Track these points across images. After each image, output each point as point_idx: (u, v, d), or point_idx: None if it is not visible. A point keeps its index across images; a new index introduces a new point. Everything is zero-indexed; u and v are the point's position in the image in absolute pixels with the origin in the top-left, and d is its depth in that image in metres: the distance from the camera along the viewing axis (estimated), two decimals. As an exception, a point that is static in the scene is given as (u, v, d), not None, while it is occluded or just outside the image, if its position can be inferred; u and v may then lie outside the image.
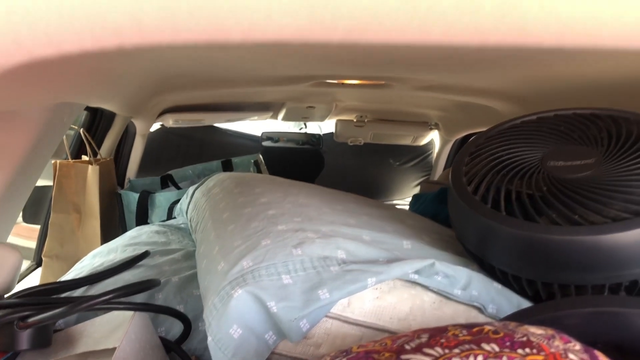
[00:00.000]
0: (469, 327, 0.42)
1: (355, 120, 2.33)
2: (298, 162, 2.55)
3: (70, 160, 1.24)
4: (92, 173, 1.21)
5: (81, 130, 1.26)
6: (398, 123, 2.31)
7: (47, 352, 0.57)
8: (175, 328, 0.68)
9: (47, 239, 1.22)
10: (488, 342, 0.38)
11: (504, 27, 0.34)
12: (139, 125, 1.78)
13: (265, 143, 2.50)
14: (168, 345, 0.63)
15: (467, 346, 0.37)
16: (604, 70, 0.77)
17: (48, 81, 0.60)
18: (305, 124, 2.55)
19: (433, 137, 2.35)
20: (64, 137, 1.28)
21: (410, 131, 2.30)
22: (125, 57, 0.74)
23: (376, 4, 0.31)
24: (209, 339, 0.51)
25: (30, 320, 0.51)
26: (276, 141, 2.54)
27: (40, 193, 1.46)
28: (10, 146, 0.68)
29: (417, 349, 0.37)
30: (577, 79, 0.91)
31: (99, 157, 1.32)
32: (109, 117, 1.43)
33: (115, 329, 0.56)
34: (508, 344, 0.38)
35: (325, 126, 2.67)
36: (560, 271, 0.55)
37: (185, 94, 1.65)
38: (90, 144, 1.26)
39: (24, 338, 0.53)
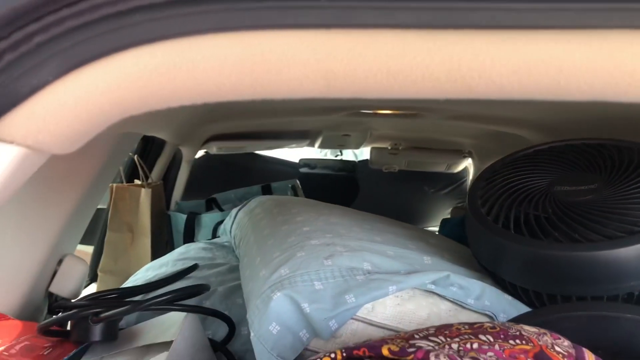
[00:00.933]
0: (471, 324, 0.49)
1: (389, 147, 2.41)
2: (334, 188, 2.64)
3: (125, 183, 1.36)
4: (145, 196, 1.32)
5: (135, 156, 1.39)
6: (432, 151, 2.37)
7: (113, 345, 0.66)
8: (220, 331, 0.76)
9: (102, 256, 1.33)
10: (484, 334, 0.45)
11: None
12: (185, 152, 1.90)
13: (303, 169, 2.60)
14: (215, 345, 0.72)
15: (466, 336, 0.45)
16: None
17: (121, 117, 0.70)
18: (341, 151, 2.64)
19: (467, 165, 2.40)
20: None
21: (444, 159, 2.36)
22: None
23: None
24: (252, 334, 0.59)
25: (103, 315, 0.61)
26: (313, 168, 2.64)
27: (95, 216, 1.59)
28: (82, 169, 0.79)
29: (424, 337, 0.44)
30: (606, 108, 0.97)
31: (150, 181, 1.44)
32: (160, 144, 1.55)
33: (170, 327, 0.65)
34: (502, 336, 0.46)
35: (360, 153, 2.76)
36: (562, 284, 0.61)
37: (229, 123, 1.77)
38: (143, 169, 1.38)
39: (96, 331, 0.63)
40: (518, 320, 0.58)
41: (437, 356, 0.38)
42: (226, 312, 0.78)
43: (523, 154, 0.79)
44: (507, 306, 0.66)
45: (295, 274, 0.62)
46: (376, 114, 1.60)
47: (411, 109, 1.46)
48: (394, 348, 0.39)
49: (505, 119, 1.41)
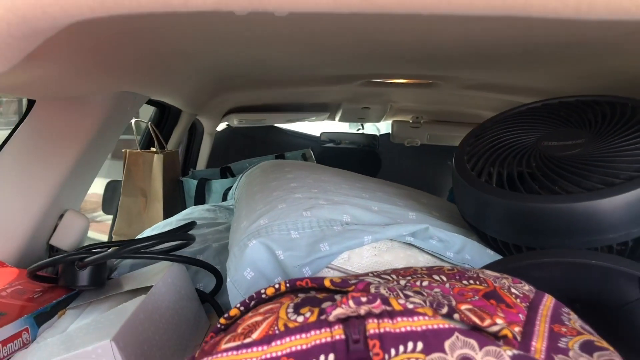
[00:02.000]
0: (431, 267, 0.49)
1: (411, 121, 2.39)
2: (355, 163, 2.64)
3: (138, 150, 1.39)
4: (157, 161, 1.35)
5: (149, 124, 1.41)
6: (454, 124, 2.35)
7: (102, 292, 0.69)
8: (211, 285, 0.78)
9: (116, 220, 1.37)
10: (439, 275, 0.46)
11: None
12: (205, 123, 1.93)
13: (327, 144, 2.60)
14: (203, 297, 0.74)
15: (418, 276, 0.45)
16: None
17: (109, 69, 0.72)
18: (362, 125, 2.63)
19: (489, 139, 2.35)
20: (135, 130, 1.43)
21: (465, 132, 2.32)
22: (179, 56, 0.86)
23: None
24: (228, 280, 0.61)
25: (87, 259, 0.64)
26: (338, 143, 2.65)
27: (118, 189, 1.64)
28: (80, 127, 0.81)
29: (377, 275, 0.45)
30: (629, 71, 0.94)
31: (165, 149, 1.47)
32: (176, 114, 1.58)
33: (156, 274, 0.67)
34: (457, 277, 0.46)
35: (382, 127, 2.75)
36: (540, 237, 0.61)
37: (246, 95, 1.78)
38: (157, 136, 1.41)
39: (83, 277, 0.66)
40: (485, 267, 0.58)
41: (377, 288, 0.38)
42: (219, 267, 0.80)
43: (515, 112, 0.77)
44: (488, 260, 0.66)
45: (273, 224, 0.63)
46: (391, 83, 1.58)
47: (425, 77, 1.45)
48: (337, 280, 0.40)
49: (522, 89, 1.38)
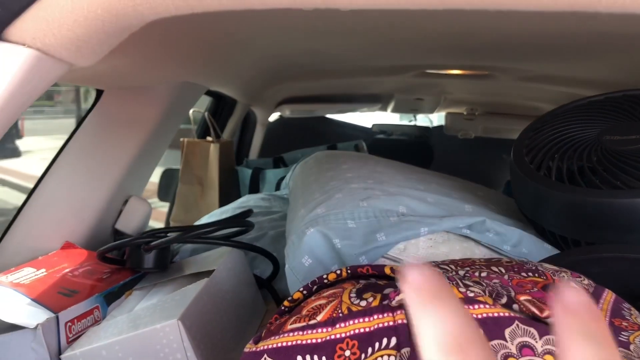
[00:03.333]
0: (489, 259, 0.50)
1: (465, 113, 2.36)
2: (407, 155, 2.61)
3: (196, 139, 1.43)
4: (214, 150, 1.39)
5: (206, 113, 1.45)
6: (509, 116, 2.30)
7: (165, 275, 0.72)
8: (268, 271, 0.81)
9: (174, 207, 1.42)
10: (497, 266, 0.46)
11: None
12: (258, 114, 1.97)
13: (379, 136, 2.60)
14: (260, 282, 0.77)
15: (477, 267, 0.46)
16: None
17: (173, 60, 0.75)
18: (414, 116, 2.61)
19: (546, 132, 2.30)
20: (192, 120, 1.48)
21: (522, 125, 2.27)
22: (239, 46, 0.89)
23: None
24: (286, 266, 0.63)
25: (153, 243, 0.67)
26: (389, 135, 2.64)
27: (173, 176, 1.69)
28: (145, 116, 0.85)
29: (436, 265, 0.46)
30: None
31: (221, 139, 1.51)
32: (231, 104, 1.61)
33: (216, 259, 0.70)
34: (515, 269, 0.46)
35: (435, 119, 2.72)
36: (600, 232, 0.60)
37: (299, 85, 1.81)
38: (213, 125, 1.45)
39: (149, 260, 0.69)
40: (543, 261, 0.58)
41: (436, 276, 0.39)
42: (275, 254, 0.82)
43: (575, 105, 0.76)
44: (546, 254, 0.65)
45: (330, 213, 0.65)
46: (446, 74, 1.57)
47: (482, 69, 1.43)
48: (397, 268, 0.41)
49: (581, 81, 1.35)
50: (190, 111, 1.44)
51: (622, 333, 0.37)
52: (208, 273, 0.65)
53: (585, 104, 0.76)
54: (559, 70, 1.29)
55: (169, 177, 1.75)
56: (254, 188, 1.42)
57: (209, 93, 1.45)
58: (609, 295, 0.45)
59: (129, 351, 0.52)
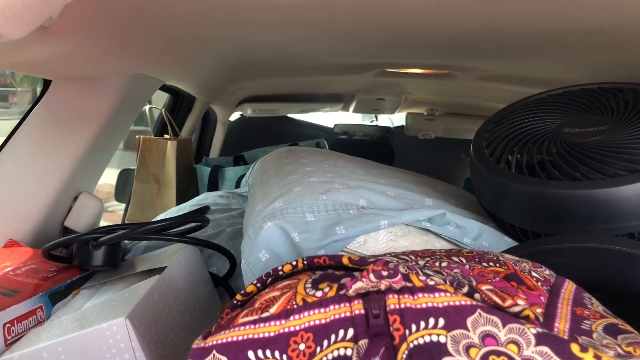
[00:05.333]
0: (449, 249, 0.49)
1: (425, 113, 2.37)
2: (368, 155, 2.61)
3: (152, 136, 1.39)
4: (171, 148, 1.35)
5: (163, 110, 1.41)
6: (469, 117, 2.33)
7: (115, 273, 0.69)
8: (224, 269, 0.78)
9: (130, 206, 1.38)
10: (458, 256, 0.45)
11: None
12: (219, 112, 1.93)
13: (340, 137, 2.59)
14: (216, 280, 0.74)
15: (437, 257, 0.44)
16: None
17: (125, 50, 0.72)
18: (376, 117, 2.61)
19: (504, 132, 2.33)
20: (149, 117, 1.44)
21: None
22: (195, 39, 0.86)
23: None
24: (242, 262, 0.60)
25: (102, 239, 0.63)
26: (351, 135, 2.63)
27: (130, 177, 1.64)
28: (96, 109, 0.81)
29: (395, 256, 0.44)
30: None
31: (179, 137, 1.47)
32: (190, 101, 1.57)
33: (170, 256, 0.67)
34: (477, 259, 0.45)
35: (396, 120, 2.73)
36: (560, 223, 0.60)
37: (261, 83, 1.78)
38: (171, 123, 1.41)
39: (98, 257, 0.66)
40: (504, 252, 0.57)
41: (395, 266, 0.38)
42: (233, 251, 0.80)
43: (535, 99, 0.76)
44: (506, 247, 0.65)
45: (288, 207, 0.62)
46: (406, 73, 1.57)
47: (442, 68, 1.43)
48: (355, 258, 0.39)
49: (539, 80, 1.37)
50: (147, 107, 1.40)
51: (585, 322, 0.36)
52: (160, 270, 0.62)
53: (544, 97, 0.76)
54: (517, 70, 1.31)
55: (126, 178, 1.70)
56: (213, 186, 1.39)
57: (166, 90, 1.41)
58: (569, 285, 0.45)
59: (72, 353, 0.49)
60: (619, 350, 0.32)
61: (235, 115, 2.34)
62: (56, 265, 0.68)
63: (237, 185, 1.35)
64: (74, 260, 0.67)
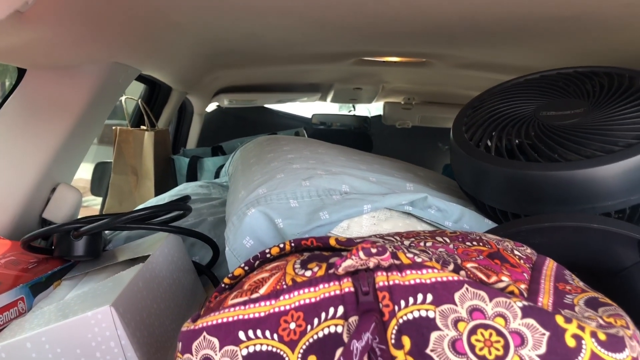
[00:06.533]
0: (433, 230, 0.49)
1: (402, 102, 2.38)
2: (346, 144, 2.62)
3: (129, 127, 1.38)
4: (148, 139, 1.34)
5: (140, 101, 1.40)
6: (445, 105, 2.35)
7: (97, 263, 0.68)
8: (207, 258, 0.78)
9: (107, 198, 1.36)
10: (442, 237, 0.45)
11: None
12: (195, 103, 1.91)
13: (318, 127, 2.59)
14: (200, 269, 0.74)
15: (422, 237, 0.45)
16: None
17: (101, 38, 0.71)
18: (353, 107, 2.62)
19: (480, 120, 2.36)
20: (125, 108, 1.42)
21: (457, 114, 2.33)
22: (172, 28, 0.85)
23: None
24: (227, 249, 0.60)
25: (83, 229, 0.63)
26: (329, 125, 2.64)
27: (106, 170, 1.62)
28: (72, 98, 0.80)
29: (380, 237, 0.45)
30: (628, 48, 0.93)
31: (156, 128, 1.45)
32: (166, 91, 1.56)
33: (152, 245, 0.67)
34: (460, 239, 0.45)
35: (373, 109, 2.74)
36: (539, 204, 0.61)
37: (238, 73, 1.77)
38: (147, 113, 1.39)
39: (79, 247, 0.65)
40: (486, 232, 0.58)
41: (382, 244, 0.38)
42: (215, 240, 0.80)
43: (513, 83, 0.77)
44: (486, 229, 0.66)
45: (271, 193, 0.63)
46: (384, 62, 1.58)
47: (419, 55, 1.44)
48: (342, 239, 0.39)
49: (515, 68, 1.38)
50: (123, 98, 1.38)
51: (567, 296, 0.37)
52: (143, 259, 0.61)
53: (522, 82, 0.77)
54: (493, 57, 1.32)
55: (102, 171, 1.68)
56: (192, 177, 1.38)
57: (142, 80, 1.39)
58: (551, 263, 0.46)
59: (57, 342, 0.49)
60: (601, 321, 0.33)
61: (212, 107, 2.33)
62: (36, 256, 0.67)
63: (217, 175, 1.34)
64: (54, 251, 0.66)
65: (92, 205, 2.24)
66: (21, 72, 0.77)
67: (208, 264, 0.75)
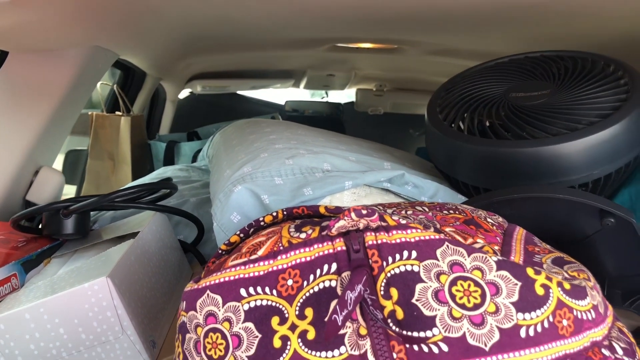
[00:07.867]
0: (412, 202, 0.53)
1: (374, 89, 2.42)
2: (320, 130, 2.65)
3: (105, 112, 1.38)
4: (125, 124, 1.34)
5: (115, 86, 1.40)
6: (417, 92, 2.39)
7: (85, 241, 0.70)
8: (191, 237, 0.80)
9: (84, 183, 1.36)
10: (421, 206, 0.49)
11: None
12: (168, 89, 1.91)
13: (290, 113, 2.61)
14: (185, 247, 0.76)
15: (402, 206, 0.48)
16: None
17: (83, 21, 0.72)
18: (326, 93, 2.64)
19: (450, 106, 2.41)
20: (100, 92, 1.42)
21: (428, 100, 2.37)
22: (152, 12, 0.86)
23: None
24: (215, 225, 0.63)
25: (72, 207, 0.64)
26: (302, 113, 2.66)
27: (78, 158, 1.62)
28: (54, 81, 0.81)
29: (364, 207, 0.48)
30: (587, 37, 0.98)
31: (132, 113, 1.46)
32: (141, 77, 1.56)
33: (140, 223, 0.69)
34: (437, 208, 0.49)
35: (346, 96, 2.77)
36: (509, 180, 0.65)
37: (211, 59, 1.77)
38: (123, 99, 1.39)
39: (68, 225, 0.67)
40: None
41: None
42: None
43: (484, 67, 0.81)
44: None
45: (257, 171, 0.65)
46: (357, 48, 1.60)
47: (391, 42, 1.47)
48: (331, 207, 0.42)
49: (484, 54, 1.42)
50: (98, 84, 1.38)
51: (536, 256, 0.41)
52: (132, 236, 0.63)
53: (492, 65, 0.81)
54: (463, 44, 1.36)
55: (74, 159, 1.67)
56: (169, 162, 1.39)
57: (118, 66, 1.39)
58: (520, 230, 0.50)
59: (55, 313, 0.51)
60: (566, 275, 0.37)
61: (184, 93, 2.32)
62: (25, 235, 0.68)
63: (194, 160, 1.35)
64: (43, 230, 0.67)
65: (64, 195, 2.22)
66: (3, 55, 0.78)
67: (193, 242, 0.77)
